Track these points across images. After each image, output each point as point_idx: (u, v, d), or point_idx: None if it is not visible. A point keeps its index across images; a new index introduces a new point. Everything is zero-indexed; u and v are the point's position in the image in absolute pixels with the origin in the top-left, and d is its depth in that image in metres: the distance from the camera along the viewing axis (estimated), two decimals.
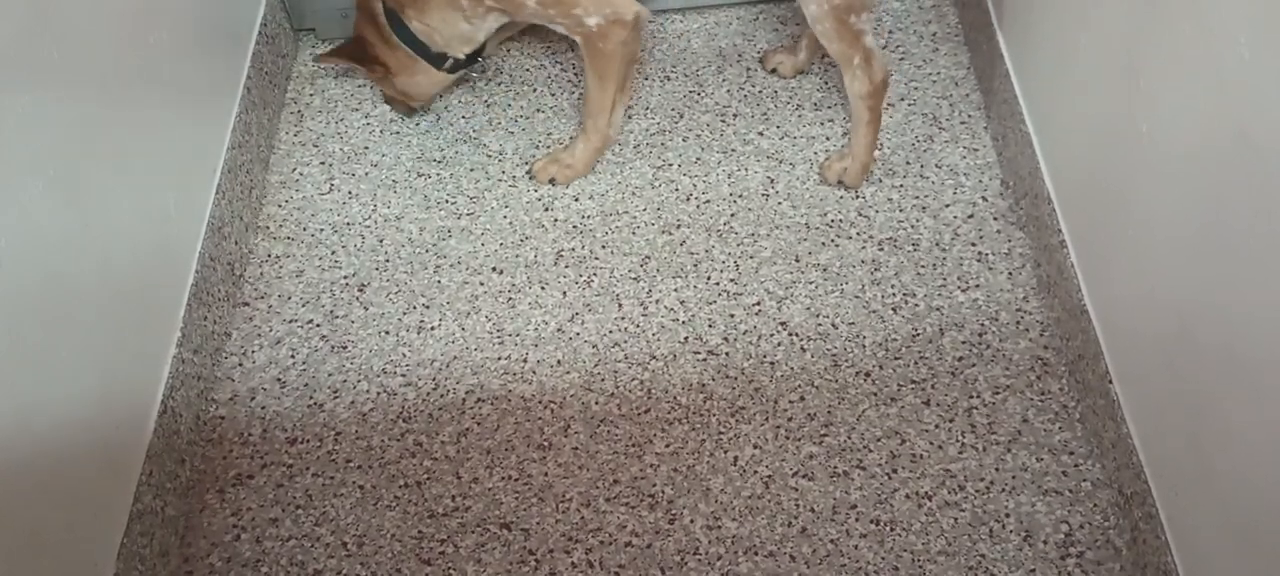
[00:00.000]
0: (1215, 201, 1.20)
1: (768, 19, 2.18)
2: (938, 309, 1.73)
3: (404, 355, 1.75)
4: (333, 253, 1.90)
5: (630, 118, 2.05)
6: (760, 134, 2.01)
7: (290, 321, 1.81)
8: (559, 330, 1.76)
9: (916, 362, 1.67)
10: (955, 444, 1.58)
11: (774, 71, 2.09)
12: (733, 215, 1.89)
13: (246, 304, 1.84)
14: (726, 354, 1.71)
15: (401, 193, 1.98)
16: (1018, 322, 1.71)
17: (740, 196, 1.91)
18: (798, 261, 1.81)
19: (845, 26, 1.69)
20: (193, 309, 1.68)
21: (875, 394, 1.64)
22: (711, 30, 2.19)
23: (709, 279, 1.80)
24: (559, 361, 1.72)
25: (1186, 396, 1.30)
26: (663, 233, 1.88)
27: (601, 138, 1.92)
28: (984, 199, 1.87)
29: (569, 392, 1.69)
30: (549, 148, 2.02)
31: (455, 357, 1.74)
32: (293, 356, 1.77)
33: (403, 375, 1.73)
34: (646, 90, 2.10)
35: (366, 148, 2.05)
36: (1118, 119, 1.45)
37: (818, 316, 1.74)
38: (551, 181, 1.95)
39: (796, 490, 1.56)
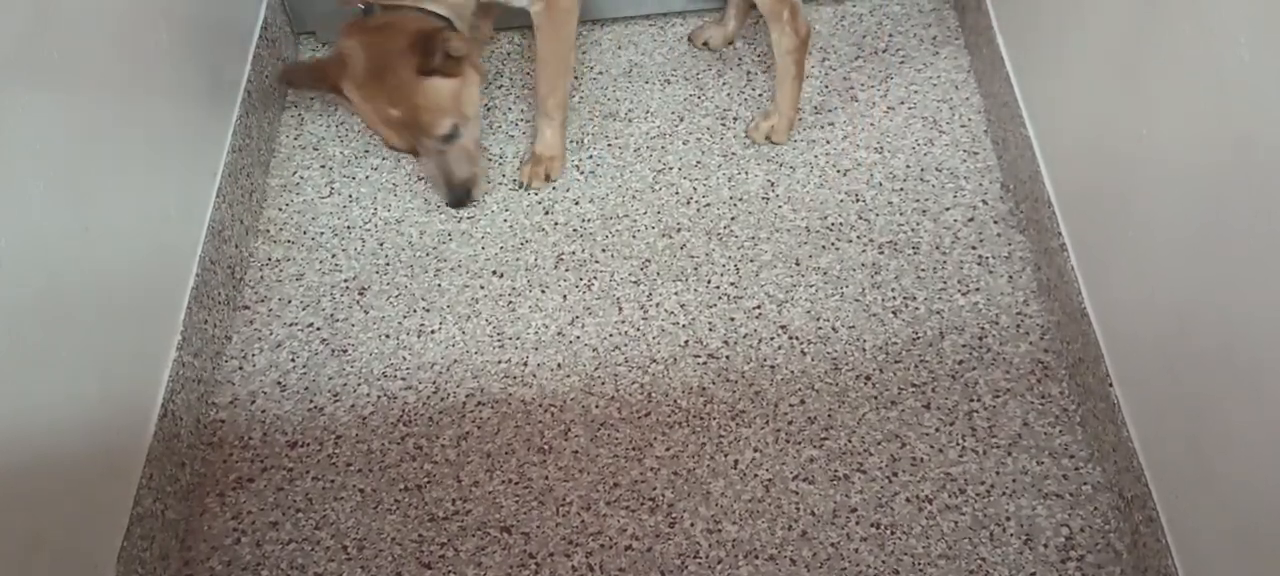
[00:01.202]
0: (1215, 203, 1.20)
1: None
2: (938, 312, 1.73)
3: (404, 359, 1.75)
4: (333, 256, 1.90)
5: (630, 121, 2.05)
6: None
7: (291, 325, 1.81)
8: (559, 333, 1.76)
9: (917, 366, 1.67)
10: (956, 447, 1.58)
11: (705, 45, 2.14)
12: (733, 219, 1.89)
13: (247, 307, 1.84)
14: (727, 357, 1.71)
15: (402, 196, 1.98)
16: (1018, 326, 1.71)
17: (740, 200, 1.91)
18: (798, 265, 1.81)
19: None
20: (193, 312, 1.68)
21: (875, 397, 1.64)
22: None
23: (709, 282, 1.80)
24: (559, 365, 1.72)
25: (1187, 399, 1.30)
26: (663, 236, 1.88)
27: (563, 113, 1.90)
28: (984, 202, 1.87)
29: (569, 396, 1.69)
30: None
31: (455, 361, 1.74)
32: (293, 360, 1.77)
33: (403, 378, 1.73)
34: (646, 94, 2.10)
35: (367, 151, 2.06)
36: (1118, 122, 1.45)
37: (818, 320, 1.74)
38: (547, 177, 1.95)
39: (797, 493, 1.55)
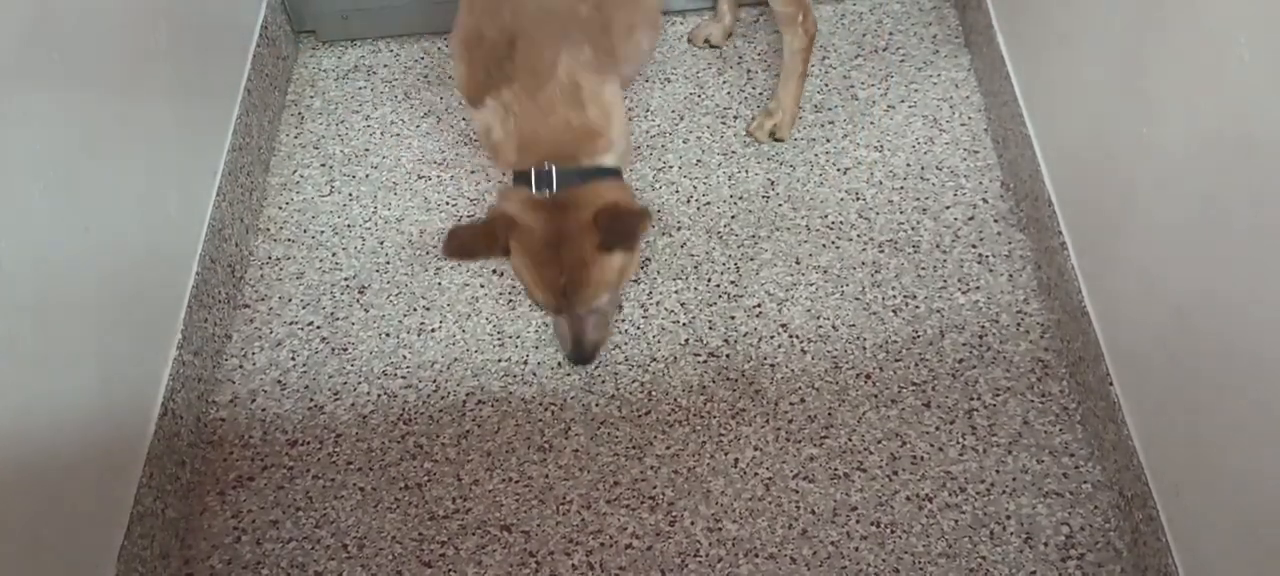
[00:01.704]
0: (1215, 203, 1.20)
1: (768, 21, 2.18)
2: (938, 311, 1.73)
3: (404, 357, 1.75)
4: (333, 255, 1.90)
5: (630, 120, 2.05)
6: None
7: (291, 323, 1.81)
8: None
9: (917, 365, 1.67)
10: (956, 446, 1.58)
11: (706, 43, 2.15)
12: (733, 217, 1.89)
13: (247, 306, 1.84)
14: (727, 356, 1.71)
15: (402, 195, 1.98)
16: (1018, 325, 1.71)
17: (741, 198, 1.91)
18: (798, 263, 1.81)
19: None
20: (193, 311, 1.68)
21: (876, 396, 1.64)
22: None
23: (709, 281, 1.80)
24: (559, 363, 1.72)
25: (1187, 397, 1.30)
26: (663, 234, 1.88)
27: None
28: (984, 201, 1.87)
29: (569, 394, 1.69)
30: None
31: (456, 359, 1.74)
32: (293, 358, 1.77)
33: (403, 377, 1.73)
34: (647, 93, 2.10)
35: (367, 150, 2.06)
36: (1118, 121, 1.45)
37: (818, 318, 1.74)
38: None
39: (797, 492, 1.55)
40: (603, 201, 1.42)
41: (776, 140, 1.97)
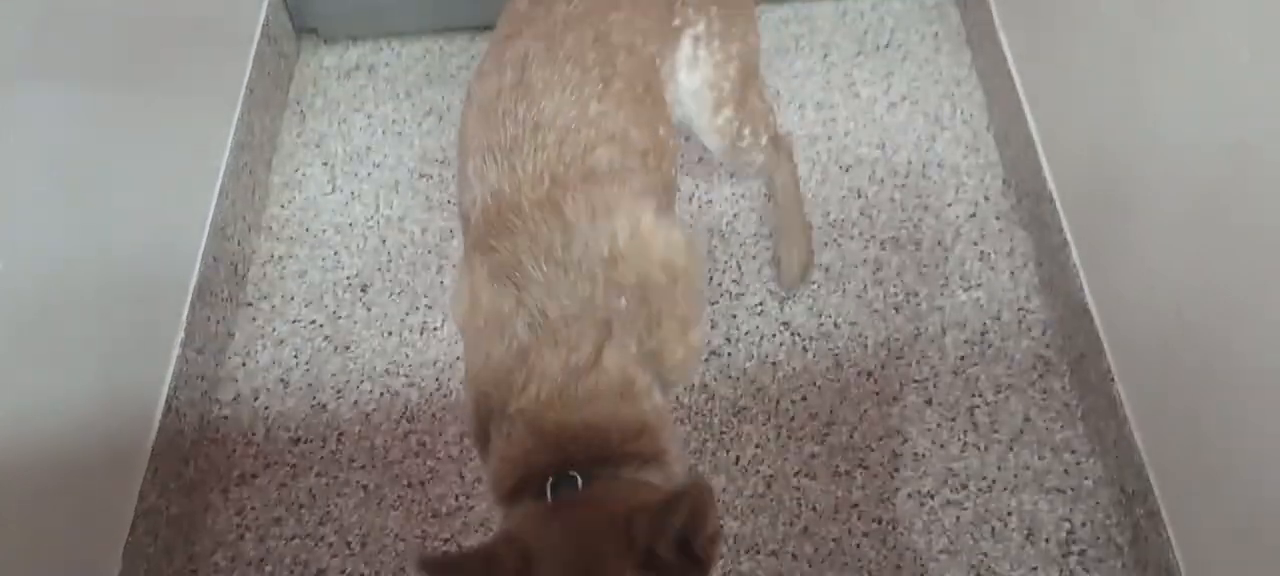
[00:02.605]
0: (1217, 200, 1.20)
1: (769, 21, 2.18)
2: (940, 308, 1.73)
3: (407, 355, 1.75)
4: (335, 253, 1.90)
5: None
6: None
7: (293, 321, 1.82)
8: None
9: (918, 362, 1.67)
10: (957, 442, 1.58)
11: None
12: (735, 215, 1.89)
13: (250, 304, 1.85)
14: (728, 354, 1.71)
15: (404, 193, 1.98)
16: (1020, 321, 1.71)
17: (742, 196, 1.91)
18: None
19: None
20: (196, 309, 1.68)
21: (877, 393, 1.65)
22: None
23: (711, 279, 1.80)
24: None
25: (1188, 394, 1.30)
26: None
27: None
28: (986, 198, 1.87)
29: None
30: None
31: (458, 358, 1.74)
32: (296, 356, 1.77)
33: (406, 375, 1.73)
34: None
35: (369, 148, 2.06)
36: (1120, 119, 1.45)
37: (820, 316, 1.74)
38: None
39: (799, 489, 1.56)
40: (638, 500, 1.00)
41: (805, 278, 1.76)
